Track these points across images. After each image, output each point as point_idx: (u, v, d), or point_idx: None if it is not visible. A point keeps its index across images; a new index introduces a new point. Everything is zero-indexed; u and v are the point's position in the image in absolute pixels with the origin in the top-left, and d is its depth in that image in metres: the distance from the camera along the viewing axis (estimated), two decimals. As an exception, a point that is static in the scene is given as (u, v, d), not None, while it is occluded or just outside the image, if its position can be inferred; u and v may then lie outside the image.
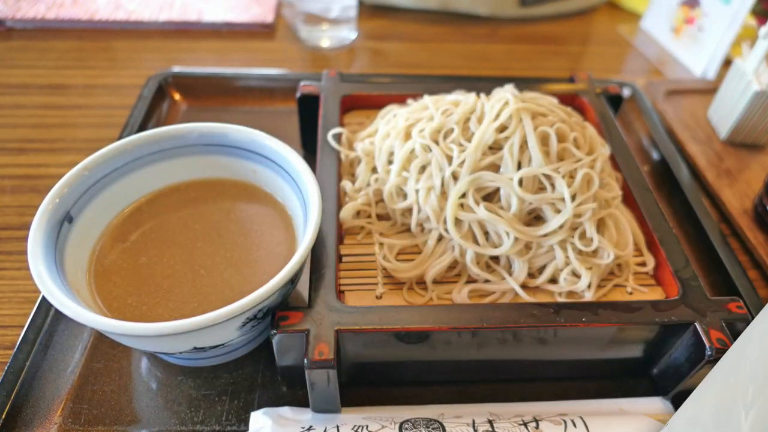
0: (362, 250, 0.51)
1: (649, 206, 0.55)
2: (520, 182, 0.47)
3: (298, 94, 0.66)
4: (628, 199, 0.56)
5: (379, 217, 0.54)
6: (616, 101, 0.68)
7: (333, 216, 0.50)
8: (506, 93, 0.51)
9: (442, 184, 0.49)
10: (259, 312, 0.43)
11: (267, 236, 0.51)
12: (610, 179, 0.55)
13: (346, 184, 0.57)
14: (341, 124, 0.69)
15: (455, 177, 0.49)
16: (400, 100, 0.63)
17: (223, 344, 0.48)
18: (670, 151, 0.72)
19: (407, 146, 0.56)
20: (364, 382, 0.50)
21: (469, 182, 0.52)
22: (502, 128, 0.49)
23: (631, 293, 0.50)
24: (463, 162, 0.48)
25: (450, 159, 0.49)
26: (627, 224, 0.51)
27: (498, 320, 0.43)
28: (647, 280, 0.51)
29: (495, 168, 0.49)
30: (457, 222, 0.48)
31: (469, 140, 0.50)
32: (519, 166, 0.48)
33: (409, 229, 0.52)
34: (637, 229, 0.54)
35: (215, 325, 0.42)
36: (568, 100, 0.66)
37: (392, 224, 0.56)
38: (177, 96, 0.81)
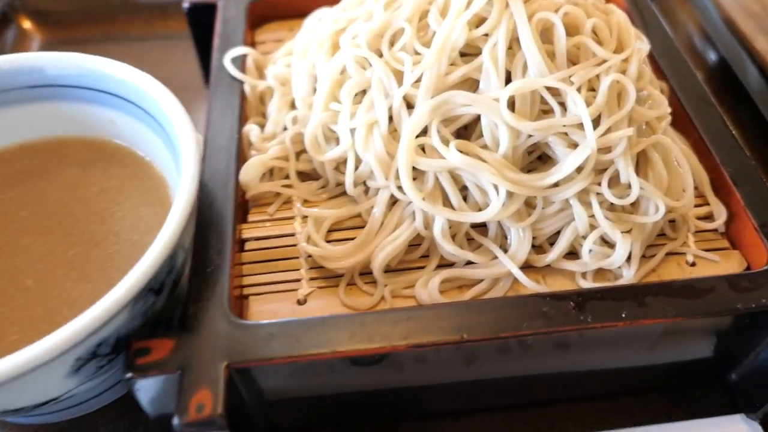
0: (276, 229, 0.43)
1: (714, 127, 0.45)
2: (512, 104, 0.38)
3: (185, 4, 0.54)
4: (680, 120, 0.47)
5: (303, 176, 0.45)
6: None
7: (230, 180, 0.42)
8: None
9: (390, 117, 0.40)
10: (101, 346, 0.34)
11: (131, 220, 0.42)
12: (652, 88, 0.41)
13: (251, 129, 0.44)
14: (250, 43, 0.55)
15: (409, 104, 0.40)
16: None
17: (54, 399, 0.35)
18: (732, 49, 0.62)
19: (334, 62, 0.43)
20: (304, 425, 0.42)
21: (431, 110, 0.39)
22: (479, 21, 0.40)
23: (693, 264, 0.41)
24: (420, 78, 0.39)
25: (400, 76, 0.40)
26: (682, 156, 0.39)
27: (487, 328, 0.35)
28: (717, 240, 0.42)
29: (471, 85, 0.40)
30: (417, 174, 0.40)
31: (428, 45, 0.40)
32: (508, 79, 0.39)
33: (345, 192, 0.40)
34: (697, 163, 0.45)
35: (22, 375, 0.31)
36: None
37: (321, 186, 0.44)
38: (27, 24, 0.72)
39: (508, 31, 0.39)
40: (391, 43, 0.42)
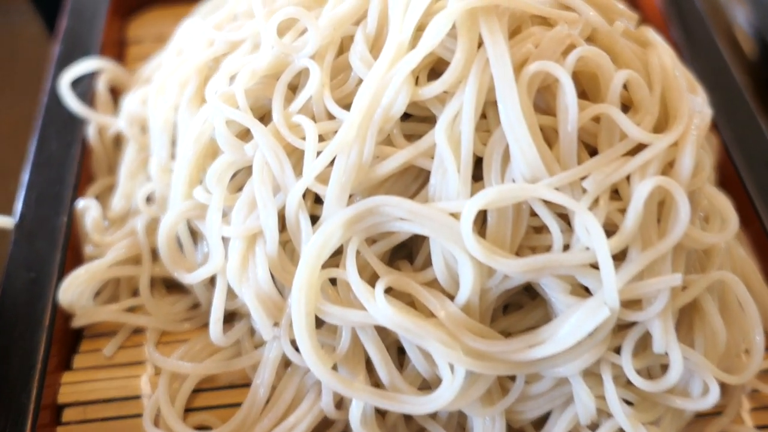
0: (113, 386, 0.28)
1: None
2: (482, 222, 0.23)
3: None
4: (734, 195, 0.29)
5: (167, 283, 0.30)
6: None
7: (42, 301, 0.28)
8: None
9: (283, 227, 0.25)
10: None
11: None
12: (711, 189, 0.25)
13: (87, 208, 0.29)
14: (115, 42, 0.39)
15: (316, 201, 0.25)
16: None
17: None
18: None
19: (200, 123, 0.26)
20: None
21: (346, 224, 0.23)
22: (434, 63, 0.24)
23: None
24: (332, 164, 0.24)
25: (300, 155, 0.25)
26: (746, 291, 0.23)
27: None
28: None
29: (416, 176, 0.25)
30: (324, 328, 0.25)
31: (348, 103, 0.24)
32: (477, 176, 0.24)
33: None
34: (761, 283, 0.29)
35: None
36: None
37: (191, 306, 0.28)
38: None
39: (480, 92, 0.22)
40: (292, 89, 0.25)
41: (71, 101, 0.32)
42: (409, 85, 0.23)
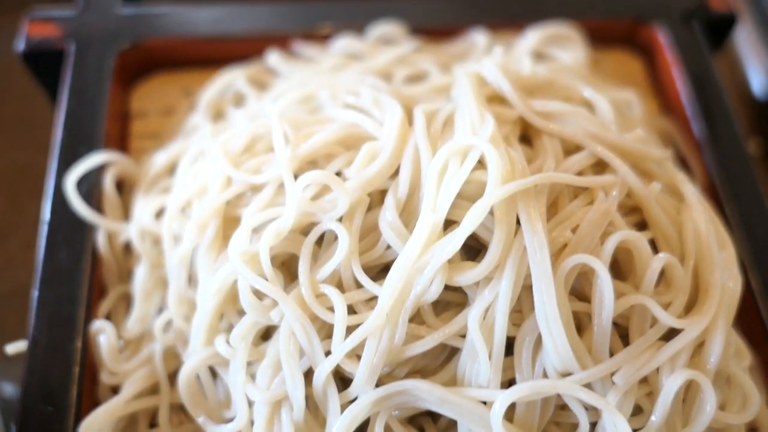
0: None
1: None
2: (510, 412, 0.23)
3: (21, 46, 0.37)
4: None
5: (185, 409, 0.29)
6: (719, 31, 0.39)
7: None
8: (469, 99, 0.25)
9: (307, 396, 0.24)
10: None
11: None
12: (736, 367, 0.24)
13: (100, 330, 0.29)
14: (119, 114, 0.36)
15: (341, 378, 0.25)
16: (253, 50, 0.37)
17: None
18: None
19: (221, 279, 0.25)
20: None
21: (376, 402, 0.23)
22: (472, 245, 0.24)
23: None
24: (364, 343, 0.23)
25: (325, 329, 0.24)
26: None
27: None
28: None
29: (441, 349, 0.25)
30: None
31: (376, 266, 0.25)
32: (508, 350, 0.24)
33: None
34: None
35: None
36: (621, 34, 0.38)
37: None
38: None
39: (516, 282, 0.22)
40: (318, 242, 0.24)
41: (79, 205, 0.30)
42: (443, 273, 0.22)
